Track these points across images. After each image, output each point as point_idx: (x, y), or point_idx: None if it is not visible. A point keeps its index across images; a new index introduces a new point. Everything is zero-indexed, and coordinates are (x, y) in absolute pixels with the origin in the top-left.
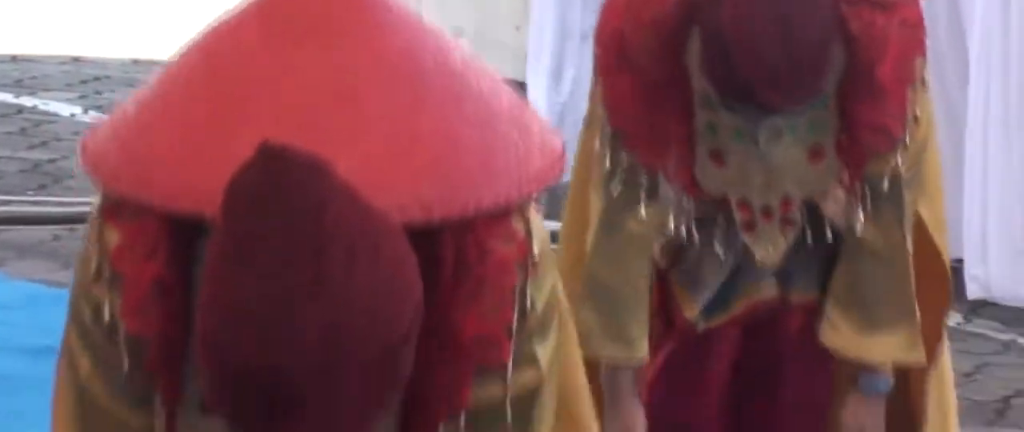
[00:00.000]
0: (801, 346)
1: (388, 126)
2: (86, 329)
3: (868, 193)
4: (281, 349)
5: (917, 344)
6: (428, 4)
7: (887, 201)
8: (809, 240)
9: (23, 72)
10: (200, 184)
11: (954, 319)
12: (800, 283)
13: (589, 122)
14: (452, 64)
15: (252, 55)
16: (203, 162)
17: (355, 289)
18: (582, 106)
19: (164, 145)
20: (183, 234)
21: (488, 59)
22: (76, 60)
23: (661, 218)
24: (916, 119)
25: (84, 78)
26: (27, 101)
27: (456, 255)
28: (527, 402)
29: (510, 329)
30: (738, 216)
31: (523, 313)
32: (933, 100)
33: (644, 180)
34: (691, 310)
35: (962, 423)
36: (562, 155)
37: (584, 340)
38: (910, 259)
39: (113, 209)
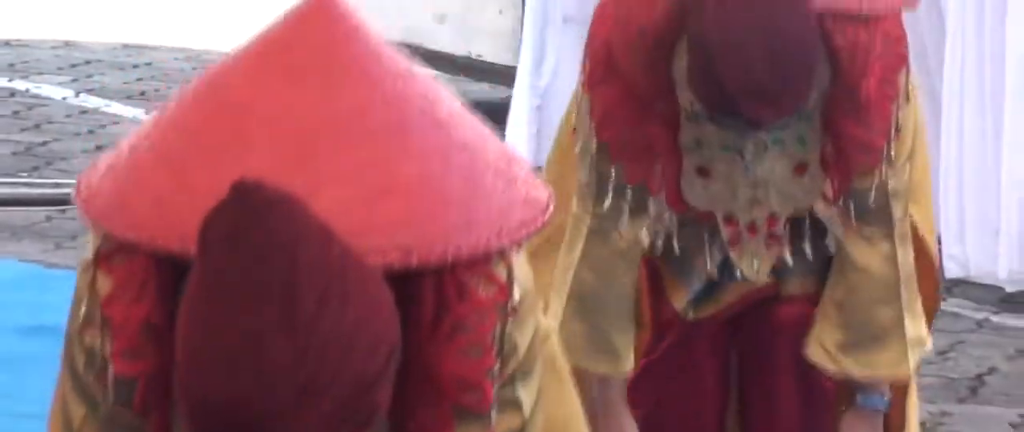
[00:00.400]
0: (796, 336)
1: (372, 172)
2: (79, 377)
3: (854, 208)
4: (250, 384)
5: (904, 360)
6: None
7: (874, 215)
8: (808, 253)
9: (16, 56)
10: (186, 223)
11: None
12: (796, 275)
13: (574, 128)
14: (438, 114)
15: (241, 100)
16: (189, 202)
17: (326, 327)
18: (563, 89)
19: (154, 186)
20: (172, 273)
21: (472, 44)
22: (67, 44)
23: (647, 232)
24: (898, 132)
25: (75, 62)
26: (20, 85)
27: (436, 297)
28: None
29: (492, 374)
30: (724, 231)
31: (504, 357)
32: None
33: (630, 193)
34: (680, 300)
35: (937, 400)
36: (547, 206)
37: (571, 351)
38: (900, 271)
39: (107, 256)
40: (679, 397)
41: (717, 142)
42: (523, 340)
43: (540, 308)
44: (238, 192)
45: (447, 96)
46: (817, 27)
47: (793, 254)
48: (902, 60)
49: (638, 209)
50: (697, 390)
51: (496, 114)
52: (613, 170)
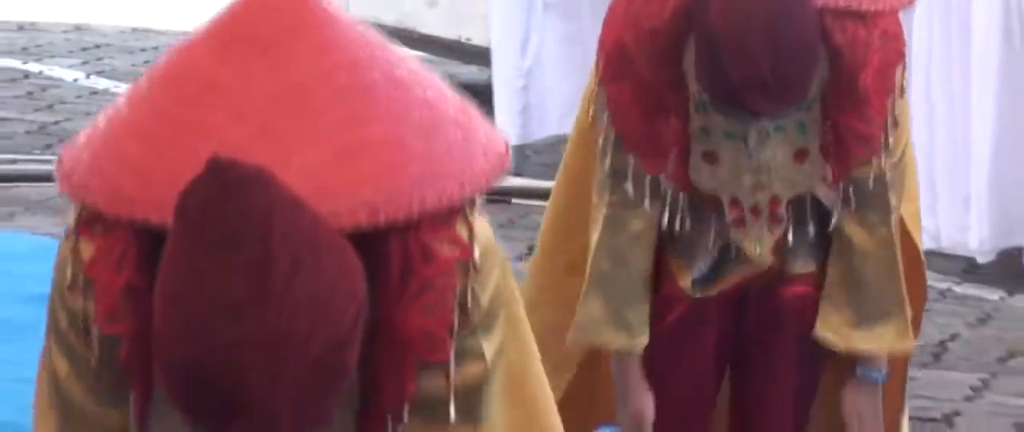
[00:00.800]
0: (799, 315)
1: (337, 136)
2: (62, 334)
3: (853, 194)
4: (226, 347)
5: (907, 333)
6: None
7: (872, 201)
8: (811, 233)
9: (29, 40)
10: (163, 195)
11: None
12: (800, 255)
13: (592, 122)
14: (398, 75)
15: (208, 73)
16: (165, 174)
17: (298, 292)
18: (546, 69)
19: (130, 159)
20: (151, 242)
21: (462, 28)
22: (78, 28)
23: (660, 215)
24: (896, 124)
25: (86, 45)
26: (33, 67)
27: (402, 257)
28: (473, 392)
29: (452, 328)
30: (729, 214)
31: (465, 312)
32: None
33: (646, 181)
34: (685, 279)
35: None
36: (506, 154)
37: (589, 329)
38: (898, 254)
39: (88, 223)
40: (683, 372)
41: (722, 130)
42: (485, 295)
43: (504, 264)
44: (213, 168)
45: (404, 56)
46: (818, 24)
47: (796, 235)
48: (900, 56)
49: (654, 195)
50: (699, 365)
51: (484, 94)
52: (630, 160)
